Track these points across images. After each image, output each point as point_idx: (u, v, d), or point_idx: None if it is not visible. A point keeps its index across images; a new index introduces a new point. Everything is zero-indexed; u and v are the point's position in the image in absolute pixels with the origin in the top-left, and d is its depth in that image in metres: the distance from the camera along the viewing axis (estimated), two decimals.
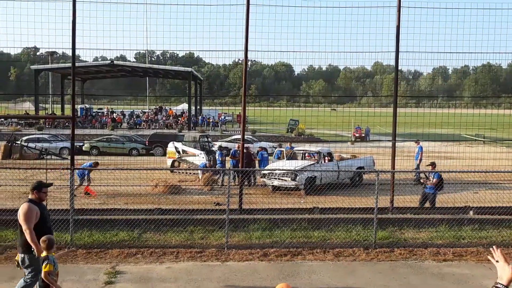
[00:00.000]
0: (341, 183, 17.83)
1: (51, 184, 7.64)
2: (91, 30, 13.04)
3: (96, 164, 16.91)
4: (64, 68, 49.87)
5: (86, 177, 16.80)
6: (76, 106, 13.76)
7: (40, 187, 7.14)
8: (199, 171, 19.93)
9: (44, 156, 28.47)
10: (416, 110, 23.44)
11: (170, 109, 61.13)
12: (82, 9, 12.44)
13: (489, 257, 3.39)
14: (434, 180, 14.08)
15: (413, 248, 10.79)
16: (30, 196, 7.15)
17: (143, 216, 12.02)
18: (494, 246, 3.35)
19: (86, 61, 47.22)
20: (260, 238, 11.17)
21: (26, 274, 7.01)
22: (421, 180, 15.15)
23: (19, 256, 7.03)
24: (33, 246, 6.70)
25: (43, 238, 6.48)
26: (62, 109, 55.12)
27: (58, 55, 57.23)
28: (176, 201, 15.64)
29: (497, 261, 3.26)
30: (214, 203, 15.64)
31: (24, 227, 6.77)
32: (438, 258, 10.31)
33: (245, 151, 20.11)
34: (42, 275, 6.36)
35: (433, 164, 14.47)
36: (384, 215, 12.63)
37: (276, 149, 24.41)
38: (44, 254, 6.46)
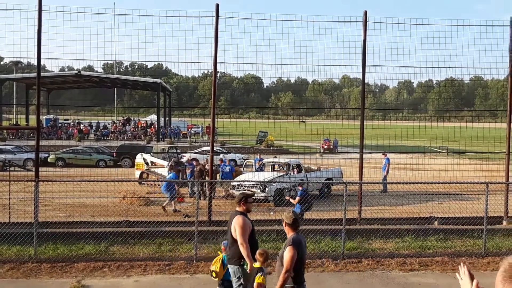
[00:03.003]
0: (309, 195, 17.94)
1: (253, 194, 7.80)
2: (58, 40, 12.80)
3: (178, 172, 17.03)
4: (29, 78, 48.70)
5: (175, 189, 16.45)
6: (41, 116, 13.48)
7: (247, 198, 7.15)
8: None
9: (7, 167, 27.69)
10: (382, 122, 23.88)
11: (139, 120, 60.49)
12: (48, 18, 12.21)
13: (456, 274, 3.47)
14: (297, 198, 14.27)
15: (380, 258, 10.94)
16: (238, 209, 7.09)
17: (110, 228, 11.80)
18: (461, 263, 3.43)
19: (52, 71, 46.23)
20: None
21: (234, 285, 6.97)
22: (287, 198, 15.26)
23: (229, 267, 7.02)
24: (247, 260, 6.69)
25: (260, 251, 6.60)
26: (27, 119, 53.74)
27: (23, 64, 55.98)
28: (144, 213, 15.44)
29: (461, 279, 3.34)
30: (183, 215, 15.55)
31: (240, 240, 6.74)
32: (404, 268, 10.48)
33: (194, 163, 20.16)
34: (255, 285, 6.39)
35: (300, 184, 14.88)
36: (352, 226, 12.79)
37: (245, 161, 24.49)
38: (257, 265, 6.51)
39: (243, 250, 6.71)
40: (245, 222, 6.86)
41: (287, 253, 5.96)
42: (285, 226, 6.29)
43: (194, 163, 22.29)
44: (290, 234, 6.24)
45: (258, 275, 6.42)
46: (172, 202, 16.34)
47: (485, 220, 11.66)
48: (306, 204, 14.13)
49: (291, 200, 14.40)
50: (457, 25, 14.05)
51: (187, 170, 21.30)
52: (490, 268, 10.63)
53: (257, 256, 6.60)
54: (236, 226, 6.81)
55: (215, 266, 7.21)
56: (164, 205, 16.40)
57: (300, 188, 14.57)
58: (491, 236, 12.34)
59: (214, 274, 7.23)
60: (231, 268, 6.98)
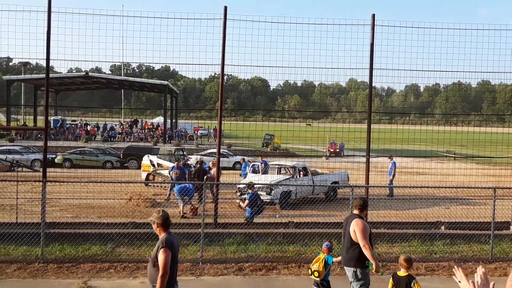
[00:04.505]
0: (316, 198, 17.93)
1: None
2: (66, 41, 12.93)
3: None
4: (38, 79, 49.08)
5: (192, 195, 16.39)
6: (49, 117, 13.56)
7: (367, 203, 7.49)
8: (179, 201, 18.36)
9: (15, 168, 27.86)
10: (389, 126, 23.84)
11: (146, 121, 60.64)
12: (57, 20, 12.32)
13: (453, 277, 3.47)
14: (246, 202, 14.18)
15: (386, 263, 10.88)
16: (355, 212, 7.39)
17: (117, 229, 11.83)
18: (455, 266, 3.43)
19: (60, 73, 46.61)
20: (235, 252, 11.13)
21: (355, 286, 7.16)
22: (237, 201, 15.12)
23: (346, 269, 7.21)
24: (371, 260, 6.89)
25: (405, 257, 6.78)
26: (35, 120, 54.06)
27: (31, 65, 56.33)
28: (151, 215, 15.43)
29: (459, 281, 3.34)
30: (181, 215, 15.52)
31: (362, 242, 6.93)
32: (411, 272, 10.41)
33: (197, 166, 20.05)
34: None
35: (250, 187, 14.77)
36: None
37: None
38: (404, 273, 6.69)
39: (366, 252, 6.91)
40: (365, 225, 7.14)
41: (161, 255, 5.69)
42: (156, 227, 6.02)
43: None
44: (162, 235, 5.99)
45: (412, 282, 6.59)
46: (182, 206, 16.12)
47: (492, 225, 11.59)
48: (256, 208, 14.06)
49: (241, 204, 14.36)
50: (465, 29, 14.01)
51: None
52: (497, 273, 10.57)
53: (402, 262, 6.75)
54: (356, 229, 7.05)
55: (318, 265, 7.60)
56: (181, 211, 16.10)
57: (250, 192, 14.49)
58: (498, 242, 12.26)
59: (316, 274, 7.60)
60: (349, 270, 7.16)
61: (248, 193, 14.43)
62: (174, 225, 12.48)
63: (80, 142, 45.66)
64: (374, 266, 6.87)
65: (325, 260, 7.61)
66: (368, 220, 13.34)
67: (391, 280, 6.89)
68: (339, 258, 7.60)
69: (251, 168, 20.97)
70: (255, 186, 15.53)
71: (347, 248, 7.21)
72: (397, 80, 14.42)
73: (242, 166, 23.40)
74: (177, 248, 6.02)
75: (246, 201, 14.04)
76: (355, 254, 7.07)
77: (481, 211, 15.58)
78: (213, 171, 19.32)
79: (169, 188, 19.53)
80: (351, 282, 7.21)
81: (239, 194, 17.23)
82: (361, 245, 6.94)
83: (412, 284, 6.59)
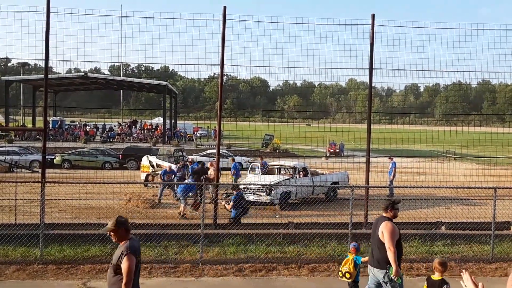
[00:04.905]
0: (316, 198, 17.89)
1: (400, 201, 7.71)
2: (65, 42, 12.83)
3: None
4: (36, 79, 49.00)
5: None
6: (48, 118, 13.51)
7: (393, 204, 7.36)
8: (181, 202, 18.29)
9: (14, 169, 27.81)
10: (389, 126, 23.82)
11: (145, 122, 60.59)
12: (56, 20, 12.24)
13: (461, 282, 3.45)
14: (231, 203, 14.11)
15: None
16: (384, 214, 7.37)
17: None
18: (464, 270, 3.41)
19: (59, 73, 46.47)
20: (235, 253, 11.09)
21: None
22: (222, 203, 15.14)
23: (376, 271, 7.19)
24: (392, 264, 6.92)
25: (440, 260, 6.68)
26: (34, 121, 54.01)
27: (30, 66, 56.26)
28: (150, 216, 15.44)
29: (465, 286, 3.32)
30: (180, 215, 15.49)
31: (388, 244, 6.99)
32: (411, 273, 10.40)
33: (199, 166, 20.03)
34: None
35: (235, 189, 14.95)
36: (359, 230, 12.71)
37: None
38: (438, 277, 6.59)
39: (390, 254, 6.94)
40: (394, 228, 7.14)
41: (126, 263, 5.40)
42: (117, 234, 5.62)
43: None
44: (124, 240, 5.63)
45: (446, 287, 6.50)
46: (183, 206, 16.07)
47: (493, 225, 11.56)
48: (241, 209, 14.02)
49: (226, 206, 14.36)
50: (465, 28, 13.97)
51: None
52: (498, 274, 10.54)
53: (437, 266, 6.63)
54: (384, 231, 7.09)
55: (348, 267, 7.70)
56: (182, 212, 16.06)
57: (235, 193, 14.45)
58: (499, 242, 12.23)
59: (348, 275, 7.69)
60: (380, 272, 7.16)
61: (233, 194, 14.36)
62: (174, 226, 12.48)
63: (79, 142, 45.61)
64: (393, 271, 6.88)
65: (354, 260, 7.72)
66: (367, 221, 13.35)
67: (425, 284, 6.84)
68: (367, 258, 7.66)
69: (261, 168, 20.87)
70: (239, 187, 15.57)
71: (377, 250, 7.22)
72: (397, 80, 14.39)
73: (232, 166, 23.26)
74: (139, 253, 5.81)
75: (231, 203, 13.98)
76: (384, 255, 7.10)
77: (482, 211, 15.55)
78: (211, 171, 19.29)
79: (160, 189, 19.33)
80: (382, 283, 7.18)
81: (225, 196, 17.19)
82: (387, 247, 6.98)
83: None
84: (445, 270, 6.64)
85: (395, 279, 6.92)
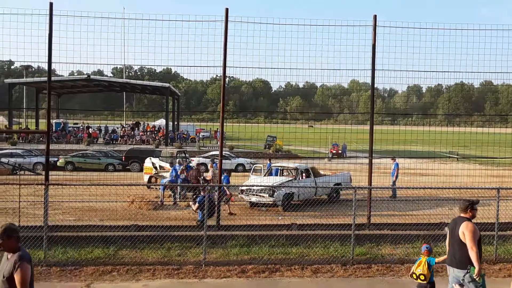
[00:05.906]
0: (318, 199, 17.89)
1: (478, 201, 7.73)
2: (68, 44, 12.88)
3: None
4: (39, 82, 49.14)
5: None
6: (51, 120, 13.57)
7: (472, 205, 7.42)
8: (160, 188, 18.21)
9: (17, 171, 27.89)
10: (391, 127, 23.81)
11: (148, 124, 60.66)
12: (59, 23, 12.31)
13: None
14: (196, 205, 14.05)
15: (390, 264, 10.86)
16: (463, 215, 7.41)
17: (119, 232, 11.83)
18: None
19: (62, 75, 46.66)
20: (238, 254, 11.10)
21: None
22: (190, 204, 15.07)
23: (457, 271, 7.20)
24: (475, 264, 6.94)
25: None
26: (37, 123, 54.18)
27: (33, 69, 56.41)
28: (153, 217, 15.46)
29: None
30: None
31: (470, 244, 7.02)
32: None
33: (195, 167, 20.04)
34: None
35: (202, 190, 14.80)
36: (362, 231, 12.71)
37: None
38: None
39: (472, 254, 6.96)
40: (475, 228, 7.16)
41: (21, 273, 4.90)
42: (7, 242, 5.01)
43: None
44: (15, 249, 5.06)
45: None
46: (162, 194, 16.13)
47: (496, 226, 11.55)
48: (208, 210, 13.98)
49: (192, 206, 14.27)
50: (467, 29, 13.98)
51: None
52: (502, 274, 10.53)
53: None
54: (465, 232, 7.11)
55: (422, 269, 7.69)
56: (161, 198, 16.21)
57: (202, 194, 14.38)
58: (502, 243, 12.21)
59: (422, 277, 7.68)
60: (461, 272, 7.17)
61: (200, 196, 14.27)
62: (177, 227, 12.51)
63: (82, 145, 45.70)
64: (476, 270, 6.90)
65: (427, 262, 7.74)
66: (371, 222, 13.36)
67: None
68: (441, 258, 7.72)
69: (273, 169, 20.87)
70: (206, 188, 15.61)
71: (458, 250, 7.23)
72: (399, 81, 14.41)
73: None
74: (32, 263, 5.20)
75: (196, 204, 13.89)
76: (466, 256, 7.10)
77: (485, 212, 15.47)
78: (210, 172, 19.33)
79: (161, 190, 19.34)
80: (466, 284, 7.18)
81: (193, 197, 17.18)
82: (469, 246, 7.00)
83: None
84: None
85: (476, 279, 6.94)
